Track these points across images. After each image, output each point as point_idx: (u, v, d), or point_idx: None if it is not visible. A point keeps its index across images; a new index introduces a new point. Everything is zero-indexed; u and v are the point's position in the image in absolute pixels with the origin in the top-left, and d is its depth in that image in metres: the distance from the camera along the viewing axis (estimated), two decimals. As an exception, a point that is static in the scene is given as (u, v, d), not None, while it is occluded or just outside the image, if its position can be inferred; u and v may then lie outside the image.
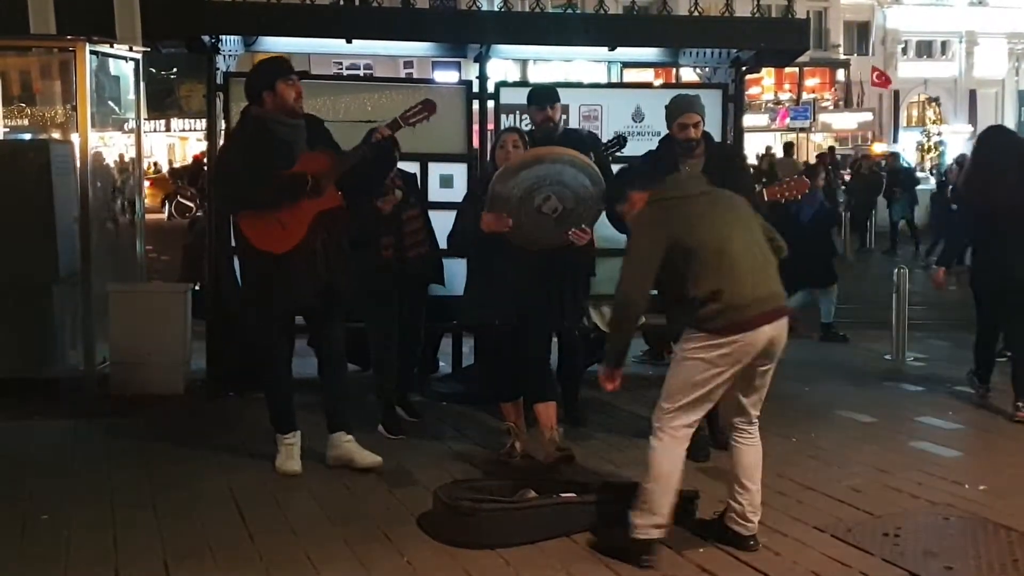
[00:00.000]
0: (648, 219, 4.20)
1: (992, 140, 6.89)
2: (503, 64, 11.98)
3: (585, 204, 5.23)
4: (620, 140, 6.35)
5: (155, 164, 28.43)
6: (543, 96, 6.08)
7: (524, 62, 20.90)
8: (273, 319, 5.26)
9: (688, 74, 12.64)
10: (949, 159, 29.63)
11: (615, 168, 5.49)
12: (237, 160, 5.10)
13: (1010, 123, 45.14)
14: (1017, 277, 6.38)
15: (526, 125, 6.58)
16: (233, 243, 5.32)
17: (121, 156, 8.31)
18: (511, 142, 5.47)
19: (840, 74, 45.63)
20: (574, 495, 4.58)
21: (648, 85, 10.65)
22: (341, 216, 5.18)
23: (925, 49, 47.15)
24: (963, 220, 7.12)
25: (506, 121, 7.18)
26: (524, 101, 6.32)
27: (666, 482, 4.14)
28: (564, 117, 6.99)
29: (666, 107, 5.58)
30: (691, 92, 5.83)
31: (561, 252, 5.36)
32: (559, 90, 6.24)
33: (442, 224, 6.36)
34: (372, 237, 5.78)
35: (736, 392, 4.27)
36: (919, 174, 26.32)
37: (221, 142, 7.05)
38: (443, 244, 6.19)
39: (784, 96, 43.51)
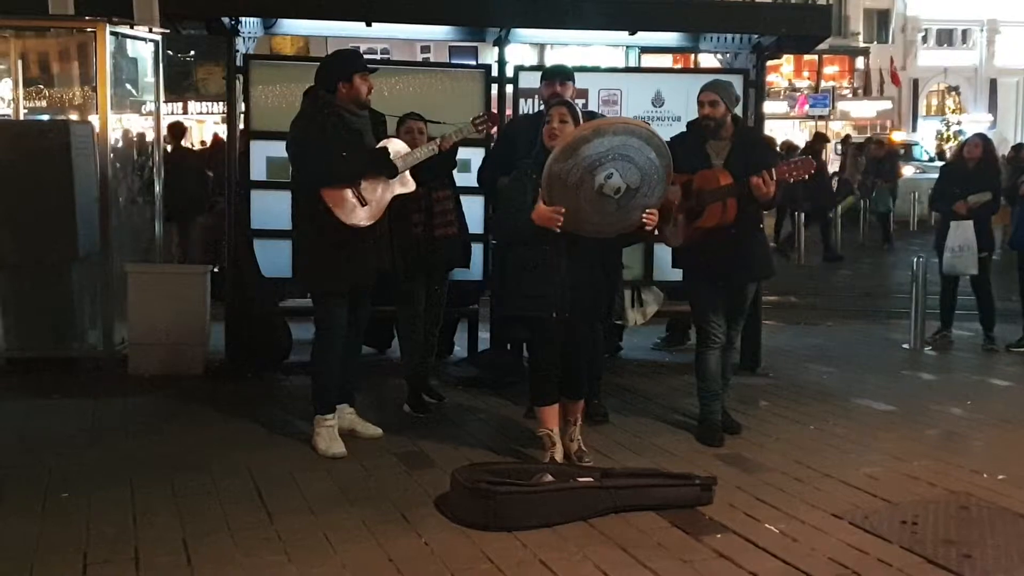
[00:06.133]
0: None
1: None
2: (520, 50, 11.92)
3: (650, 182, 4.81)
4: None
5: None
6: (552, 72, 5.99)
7: (541, 48, 20.80)
8: (340, 295, 5.35)
9: (708, 60, 12.59)
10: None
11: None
12: (321, 138, 5.21)
13: (1029, 111, 44.77)
14: None
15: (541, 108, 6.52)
16: (300, 223, 5.41)
17: (141, 137, 8.34)
18: (558, 116, 5.03)
19: (859, 62, 45.32)
20: (591, 479, 4.58)
21: (670, 70, 10.56)
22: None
23: (945, 37, 46.71)
24: None
25: (524, 106, 7.16)
26: (543, 86, 6.28)
27: None
28: (583, 102, 6.97)
29: None
30: (722, 78, 5.85)
31: (603, 240, 5.00)
32: (579, 74, 6.20)
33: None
34: (403, 214, 5.79)
35: None
36: (938, 163, 26.03)
37: (241, 124, 7.08)
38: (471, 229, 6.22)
39: (802, 83, 43.27)
